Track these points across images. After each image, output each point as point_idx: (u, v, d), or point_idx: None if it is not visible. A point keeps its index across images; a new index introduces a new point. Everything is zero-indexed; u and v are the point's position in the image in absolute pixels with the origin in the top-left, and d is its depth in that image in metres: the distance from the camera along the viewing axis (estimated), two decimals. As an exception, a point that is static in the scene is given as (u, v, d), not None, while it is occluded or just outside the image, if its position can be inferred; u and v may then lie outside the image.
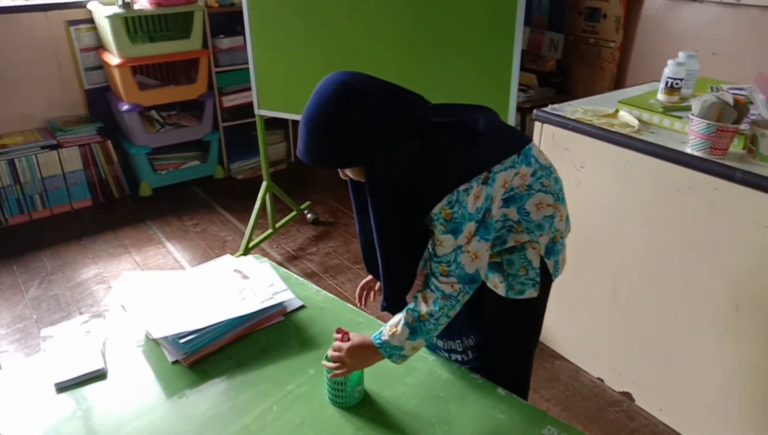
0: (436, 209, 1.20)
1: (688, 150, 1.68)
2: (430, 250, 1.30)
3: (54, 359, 1.58)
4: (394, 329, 1.33)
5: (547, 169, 1.34)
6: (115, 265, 2.85)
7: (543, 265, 1.37)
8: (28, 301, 2.59)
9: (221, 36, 3.55)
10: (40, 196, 3.28)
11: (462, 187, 1.18)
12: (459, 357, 1.59)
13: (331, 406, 1.41)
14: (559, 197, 1.36)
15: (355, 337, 1.39)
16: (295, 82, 2.62)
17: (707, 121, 1.61)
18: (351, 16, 2.39)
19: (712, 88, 2.05)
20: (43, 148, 3.23)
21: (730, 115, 1.60)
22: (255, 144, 3.95)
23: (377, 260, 1.35)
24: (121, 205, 3.50)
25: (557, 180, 1.37)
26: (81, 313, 2.47)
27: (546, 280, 1.40)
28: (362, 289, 1.64)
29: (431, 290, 1.29)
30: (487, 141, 1.26)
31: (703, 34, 3.25)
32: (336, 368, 1.36)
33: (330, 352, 1.40)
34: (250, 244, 2.89)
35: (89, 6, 3.33)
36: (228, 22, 3.62)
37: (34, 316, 2.49)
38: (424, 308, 1.30)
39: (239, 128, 3.86)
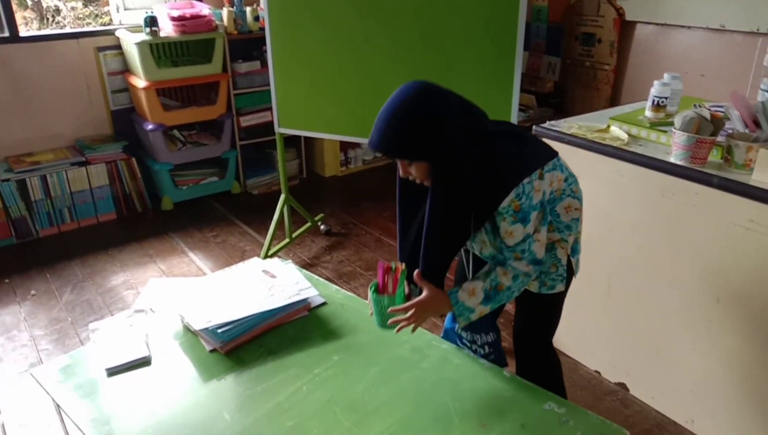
0: (504, 203, 1.36)
1: (672, 160, 1.87)
2: (498, 243, 1.45)
3: (103, 348, 1.76)
4: (472, 290, 1.45)
5: (573, 177, 1.53)
6: (142, 273, 3.03)
7: (569, 262, 1.55)
8: (63, 305, 2.77)
9: (240, 61, 3.78)
10: (68, 209, 3.48)
11: (526, 181, 1.35)
12: (478, 349, 1.77)
13: (355, 386, 1.58)
14: (582, 202, 1.55)
15: (426, 292, 1.47)
16: (313, 102, 2.83)
17: (687, 134, 1.81)
18: (367, 41, 2.61)
19: (695, 105, 2.25)
20: (72, 164, 3.44)
21: (707, 128, 1.80)
22: (269, 161, 4.18)
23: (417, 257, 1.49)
24: (143, 218, 3.70)
25: (579, 187, 1.56)
26: (113, 316, 2.65)
27: (570, 276, 1.58)
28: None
29: (510, 268, 1.45)
30: (534, 145, 1.45)
31: (692, 57, 3.48)
32: (406, 319, 1.45)
33: (401, 308, 1.46)
34: (270, 253, 3.08)
35: (117, 33, 3.56)
36: (246, 48, 3.86)
37: (69, 319, 2.66)
38: (504, 281, 1.45)
39: (254, 146, 4.08)
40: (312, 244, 3.37)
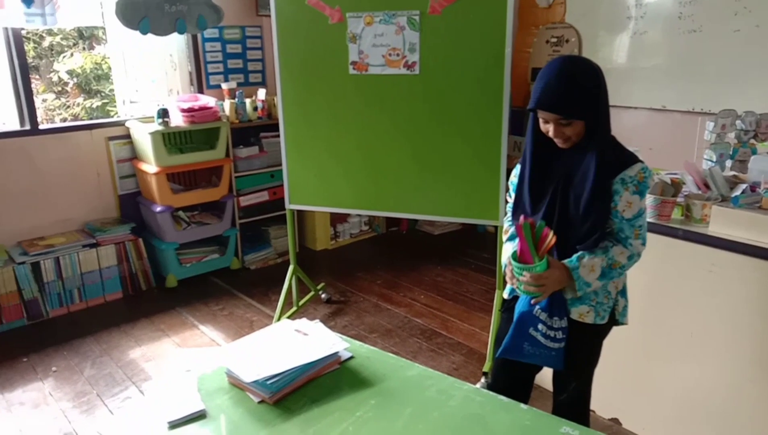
0: (632, 172, 1.56)
1: (643, 218, 2.24)
2: (616, 217, 1.59)
3: (160, 404, 1.94)
4: (591, 267, 1.58)
5: None
6: (158, 346, 3.18)
7: (617, 299, 1.74)
8: (86, 379, 2.89)
9: (241, 146, 4.12)
10: (78, 290, 3.63)
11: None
12: (552, 334, 1.73)
13: (394, 424, 1.78)
14: None
15: (554, 264, 1.61)
16: (320, 181, 3.17)
17: (654, 196, 2.19)
18: (370, 125, 2.98)
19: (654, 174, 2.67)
20: (84, 246, 3.63)
21: (669, 190, 2.20)
22: (265, 238, 4.43)
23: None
24: (149, 296, 3.86)
25: None
26: (138, 387, 2.78)
27: (613, 313, 1.74)
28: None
29: (626, 248, 1.60)
30: None
31: (640, 133, 3.99)
32: (536, 290, 1.61)
33: (531, 279, 1.60)
34: (280, 320, 3.28)
35: (127, 124, 3.86)
36: (245, 135, 4.22)
37: (95, 392, 2.78)
38: (620, 259, 1.59)
39: (252, 224, 4.35)
40: (315, 312, 3.59)
